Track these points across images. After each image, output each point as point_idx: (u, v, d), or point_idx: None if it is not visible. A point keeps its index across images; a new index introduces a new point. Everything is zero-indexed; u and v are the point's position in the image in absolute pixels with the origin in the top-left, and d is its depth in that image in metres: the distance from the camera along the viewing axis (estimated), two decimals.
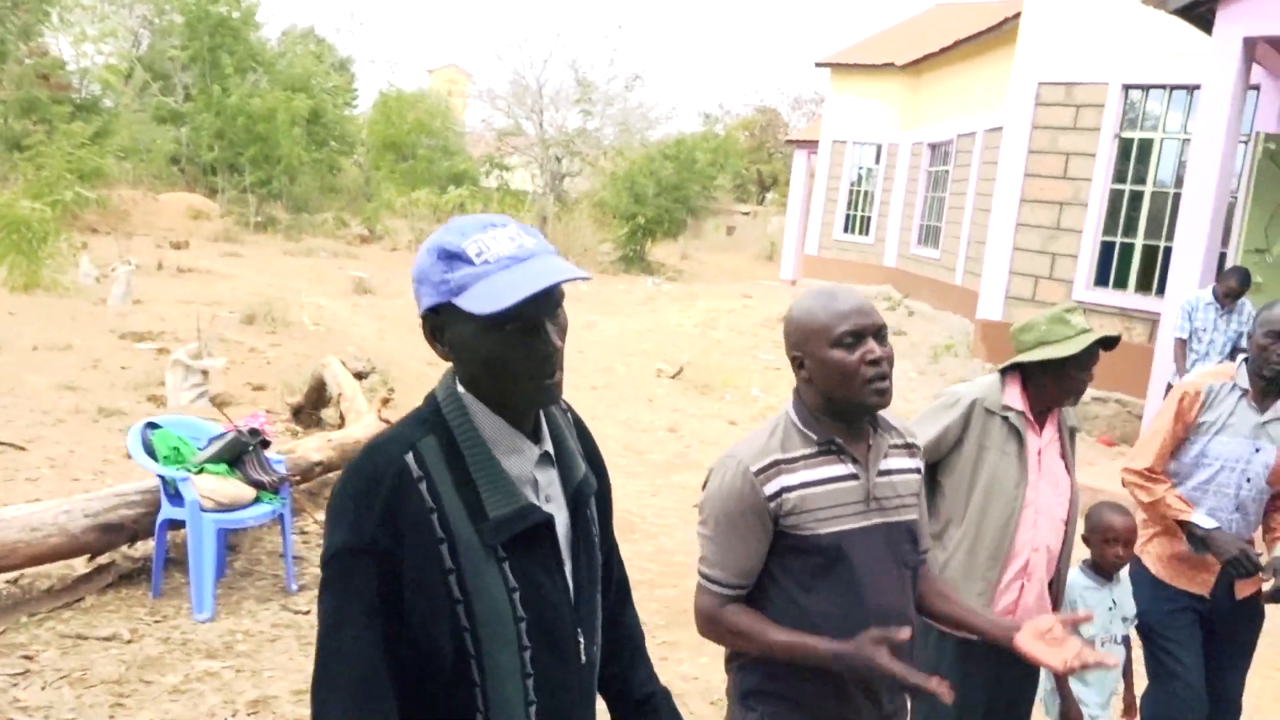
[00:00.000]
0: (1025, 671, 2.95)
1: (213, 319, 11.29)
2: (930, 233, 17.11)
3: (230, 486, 4.46)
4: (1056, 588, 2.88)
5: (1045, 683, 3.23)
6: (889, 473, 2.07)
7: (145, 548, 4.71)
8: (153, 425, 4.64)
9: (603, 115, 26.03)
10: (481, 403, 1.45)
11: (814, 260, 20.27)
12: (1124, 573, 3.24)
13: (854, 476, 2.02)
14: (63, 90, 22.63)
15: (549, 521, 1.47)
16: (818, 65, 20.14)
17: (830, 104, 20.05)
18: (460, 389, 1.46)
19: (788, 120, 42.23)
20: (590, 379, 11.14)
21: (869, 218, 19.46)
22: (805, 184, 21.30)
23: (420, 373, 10.32)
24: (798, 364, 2.04)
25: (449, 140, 27.33)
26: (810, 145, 21.04)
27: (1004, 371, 2.93)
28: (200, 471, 4.45)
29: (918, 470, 2.14)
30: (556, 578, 1.50)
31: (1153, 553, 3.32)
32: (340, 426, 6.96)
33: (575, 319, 12.98)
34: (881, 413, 2.10)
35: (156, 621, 4.27)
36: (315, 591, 4.77)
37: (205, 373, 8.21)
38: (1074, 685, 3.12)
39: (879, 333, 1.97)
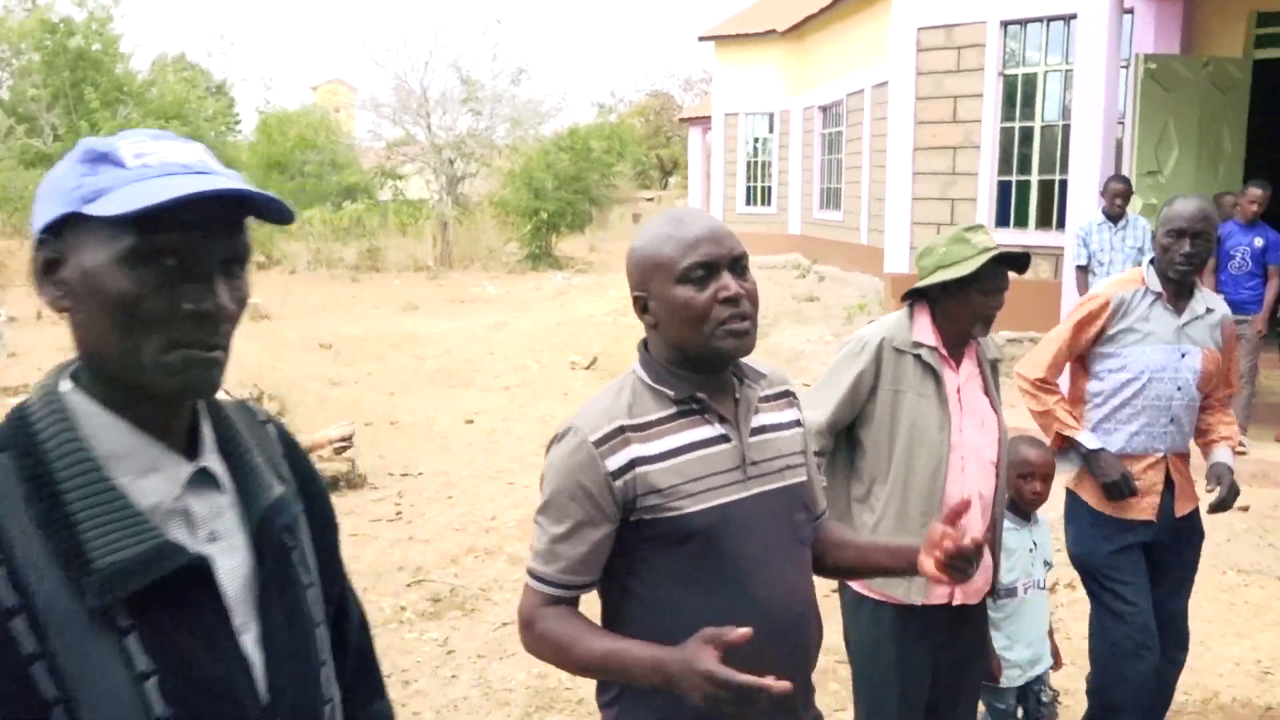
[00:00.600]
0: (974, 630, 2.72)
1: None
2: (831, 195, 17.07)
3: None
4: (994, 539, 2.64)
5: None
6: (765, 429, 1.74)
7: None
8: None
9: (492, 114, 25.48)
10: (99, 401, 1.01)
11: None
12: (1042, 514, 3.04)
13: (724, 438, 1.68)
14: None
15: (200, 565, 1.00)
16: (700, 39, 19.97)
17: (718, 78, 19.90)
18: (65, 385, 1.02)
19: (681, 103, 42.19)
20: (502, 379, 10.79)
21: (769, 188, 19.38)
22: (703, 161, 21.16)
23: (322, 394, 9.86)
24: (641, 307, 1.70)
25: (336, 154, 26.53)
26: (703, 122, 20.89)
27: (911, 305, 2.67)
28: None
29: (798, 422, 1.82)
30: (225, 649, 1.02)
31: (1089, 487, 3.09)
32: None
33: (484, 320, 12.70)
34: (748, 359, 1.79)
35: None
36: None
37: None
38: (996, 639, 2.90)
39: (736, 264, 1.63)
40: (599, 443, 1.63)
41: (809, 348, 11.53)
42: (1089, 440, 3.03)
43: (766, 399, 1.78)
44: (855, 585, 2.71)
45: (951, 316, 2.57)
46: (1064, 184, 8.99)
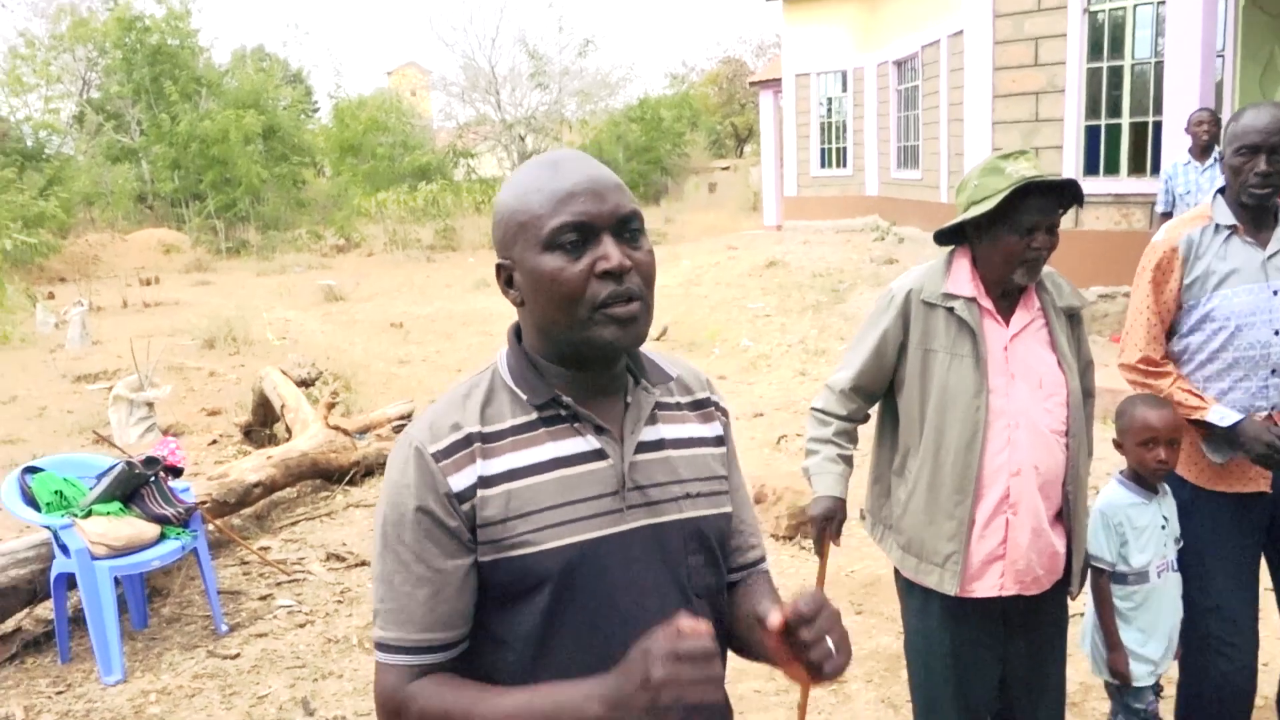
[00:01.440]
0: (1050, 623, 2.37)
1: (170, 348, 10.79)
2: (909, 154, 16.41)
3: (125, 526, 3.90)
4: (1069, 518, 2.28)
5: (1089, 632, 2.64)
6: (661, 445, 1.33)
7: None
8: (32, 470, 4.08)
9: (560, 87, 25.29)
10: None
11: (794, 201, 19.58)
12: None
13: (598, 454, 1.28)
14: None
15: None
16: (767, 0, 19.37)
17: (787, 38, 19.27)
18: None
19: (754, 69, 41.33)
20: None
21: (844, 149, 18.74)
22: (774, 125, 20.57)
23: (387, 373, 9.80)
24: (505, 279, 1.30)
25: (408, 136, 26.61)
26: (774, 84, 20.28)
27: (951, 251, 2.33)
28: (88, 515, 3.89)
29: (720, 440, 1.41)
30: None
31: (1186, 454, 2.64)
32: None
33: None
34: (654, 355, 1.40)
35: (59, 692, 3.72)
36: (249, 630, 4.29)
37: (151, 404, 7.67)
38: (1126, 634, 2.53)
39: (624, 226, 1.24)
40: (441, 455, 1.24)
41: None
42: (1223, 416, 2.52)
43: (670, 407, 1.37)
44: (902, 570, 2.39)
45: (988, 261, 2.22)
46: (1159, 126, 8.36)
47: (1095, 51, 9.30)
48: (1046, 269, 2.29)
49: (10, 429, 7.95)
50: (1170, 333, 2.66)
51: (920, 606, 2.35)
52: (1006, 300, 2.25)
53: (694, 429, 1.38)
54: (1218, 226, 2.56)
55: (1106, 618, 2.53)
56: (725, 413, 1.45)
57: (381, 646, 1.26)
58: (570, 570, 1.24)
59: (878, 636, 3.90)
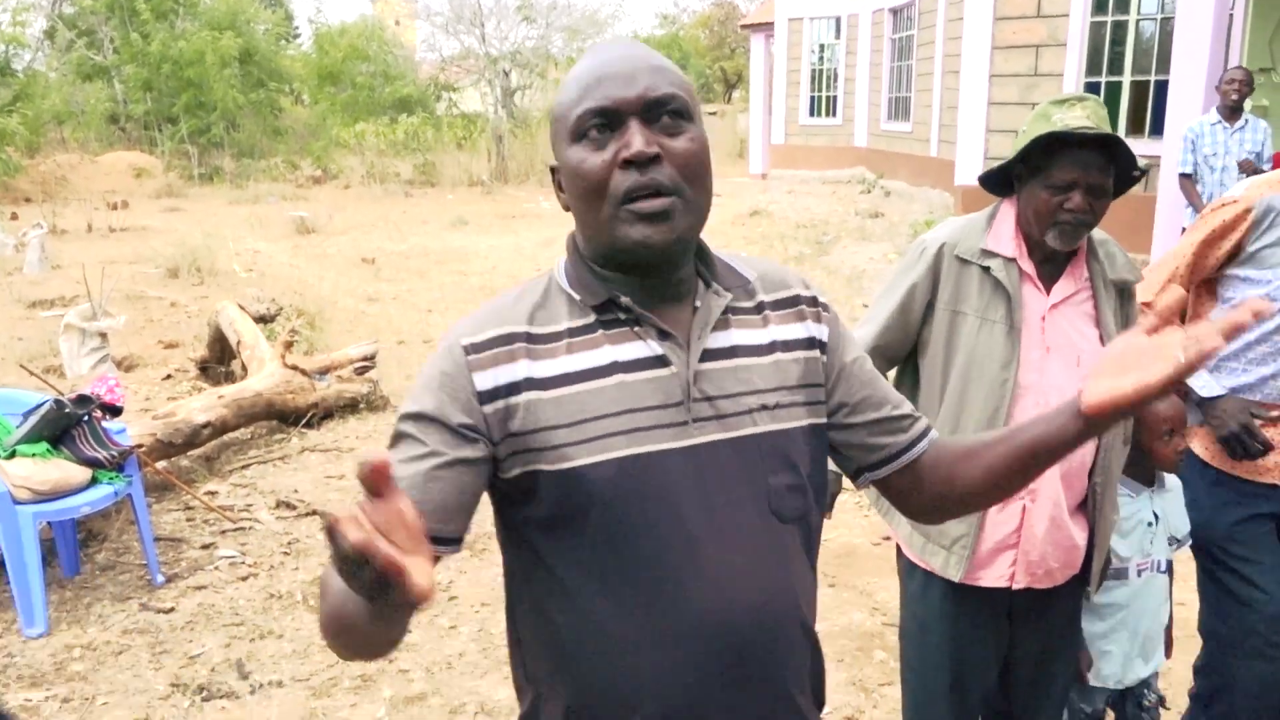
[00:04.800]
0: (1062, 618, 2.16)
1: (132, 276, 10.42)
2: (900, 105, 16.06)
3: (52, 469, 3.63)
4: (1094, 510, 2.05)
5: None
6: (733, 352, 1.17)
7: None
8: None
9: (548, 23, 24.62)
10: None
11: (781, 149, 19.22)
12: (1172, 478, 2.40)
13: (659, 361, 1.14)
14: None
15: None
16: None
17: None
18: None
19: (745, 12, 40.56)
20: None
21: (835, 97, 18.36)
22: (765, 70, 20.12)
23: (356, 310, 9.50)
24: (557, 181, 1.18)
25: (388, 66, 25.88)
26: (766, 28, 19.81)
27: (999, 205, 2.07)
28: (11, 456, 3.62)
29: (810, 342, 1.23)
30: None
31: (1205, 438, 2.43)
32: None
33: (534, 236, 12.34)
34: (731, 256, 1.24)
35: None
36: (187, 582, 4.05)
37: (104, 335, 7.35)
38: (1091, 625, 2.30)
39: (654, 111, 1.09)
40: (473, 349, 1.12)
41: (871, 266, 10.82)
42: (1207, 385, 2.36)
43: (747, 310, 1.20)
44: (904, 549, 2.18)
45: (1024, 218, 1.98)
46: (1160, 85, 8.10)
47: (1100, 6, 8.99)
48: (1101, 235, 2.04)
49: None
50: (1216, 300, 2.41)
51: (920, 590, 2.14)
52: (1051, 265, 1.99)
53: (777, 332, 1.21)
54: None
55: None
56: (826, 308, 1.27)
57: None
58: (624, 487, 1.10)
59: (850, 612, 3.71)
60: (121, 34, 24.04)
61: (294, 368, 5.93)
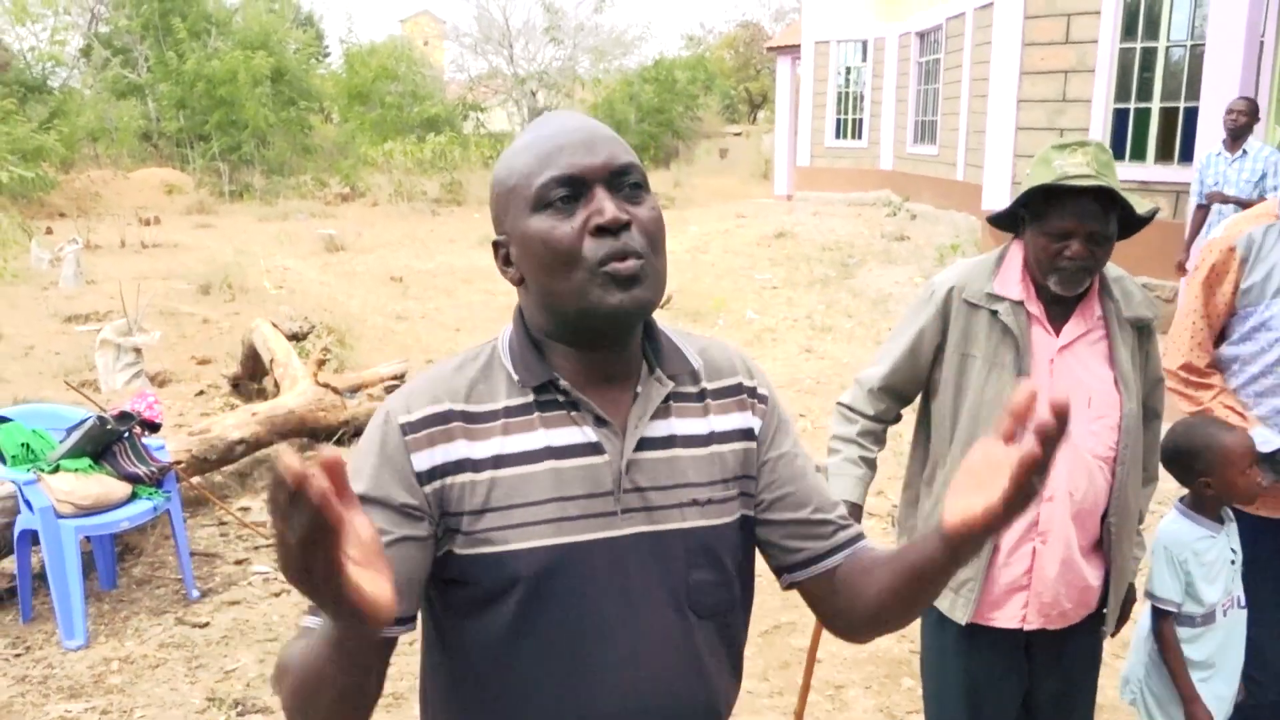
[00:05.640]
0: (1083, 657, 2.17)
1: (165, 292, 10.57)
2: (926, 128, 16.08)
3: (93, 484, 3.70)
4: (1110, 550, 2.06)
5: (1139, 672, 2.36)
6: (670, 443, 1.16)
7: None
8: (0, 419, 3.88)
9: (575, 44, 24.85)
10: None
11: (806, 171, 19.25)
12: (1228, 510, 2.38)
13: (593, 449, 1.13)
14: (2, 69, 21.68)
15: None
16: None
17: (809, 4, 18.83)
18: None
19: (771, 34, 40.71)
20: None
21: (860, 120, 18.39)
22: (791, 92, 20.19)
23: (385, 328, 9.59)
24: (503, 256, 1.16)
25: (417, 85, 26.18)
26: (793, 51, 19.88)
27: (1007, 245, 2.10)
28: (55, 470, 3.69)
29: (747, 434, 1.22)
30: None
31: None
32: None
33: None
34: (679, 336, 1.23)
35: (18, 655, 3.55)
36: (221, 597, 4.11)
37: (138, 350, 7.46)
38: (1196, 676, 2.27)
39: (618, 179, 1.09)
40: (409, 428, 1.10)
41: (897, 290, 10.83)
42: (1269, 441, 2.32)
43: (689, 398, 1.19)
44: None
45: (1029, 261, 2.00)
46: (1190, 112, 8.09)
47: (1129, 31, 8.99)
48: (1116, 272, 2.06)
49: None
50: (1221, 337, 2.45)
51: (936, 627, 2.16)
52: (1060, 306, 2.01)
53: (716, 422, 1.20)
54: None
55: (1177, 667, 2.23)
56: (764, 399, 1.25)
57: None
58: (546, 575, 1.09)
59: (879, 639, 3.71)
60: (156, 53, 24.45)
61: (326, 385, 6.00)
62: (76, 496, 3.63)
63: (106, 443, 3.87)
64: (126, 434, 3.93)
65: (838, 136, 18.80)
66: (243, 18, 25.70)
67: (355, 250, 14.98)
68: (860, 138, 18.41)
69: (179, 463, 4.34)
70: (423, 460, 1.09)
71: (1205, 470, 2.20)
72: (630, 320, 1.10)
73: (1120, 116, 9.16)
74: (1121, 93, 9.10)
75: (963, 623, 2.05)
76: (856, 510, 2.18)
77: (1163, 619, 2.26)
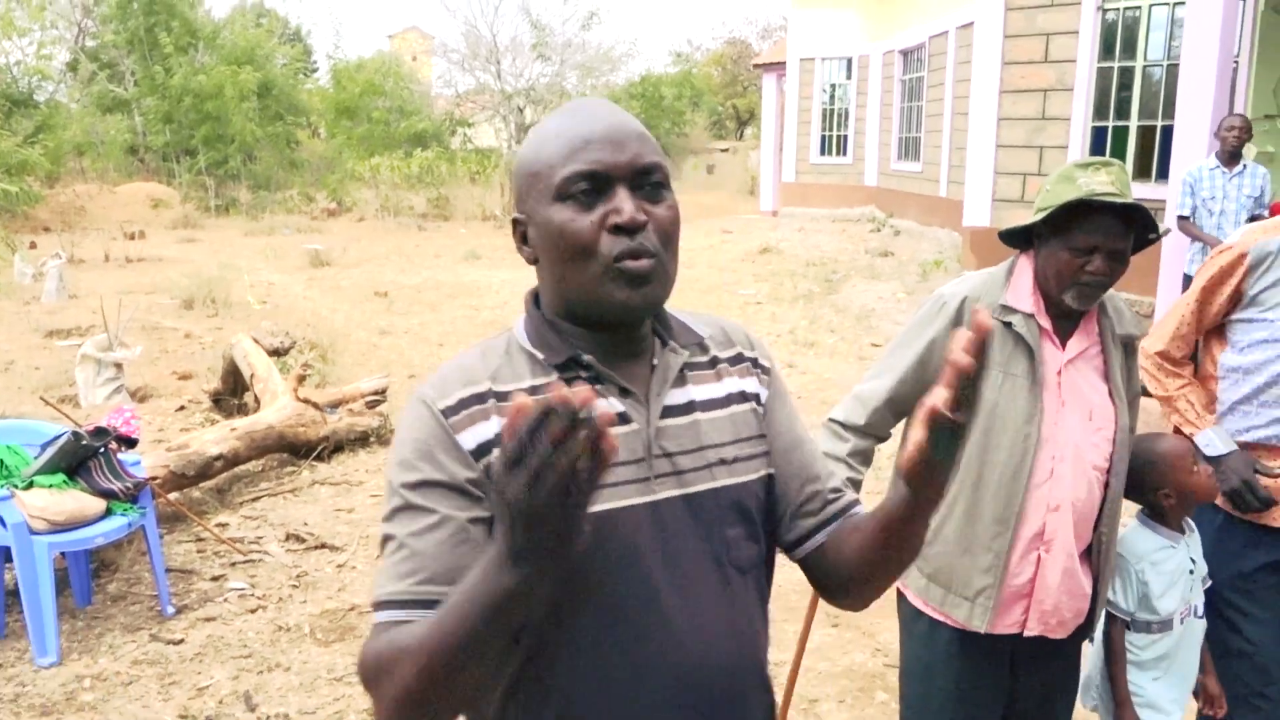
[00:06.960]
0: (1064, 663, 2.20)
1: (148, 307, 10.55)
2: (910, 145, 16.21)
3: (68, 500, 3.69)
4: (1098, 559, 2.09)
5: (1093, 685, 2.40)
6: (691, 408, 1.21)
7: None
8: None
9: (563, 60, 24.94)
10: None
11: (792, 187, 19.36)
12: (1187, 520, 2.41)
13: (621, 419, 1.16)
14: None
15: None
16: None
17: (794, 21, 18.99)
18: None
19: (758, 51, 40.98)
20: None
21: (845, 137, 18.53)
22: (777, 108, 20.32)
23: (369, 344, 9.58)
24: (521, 235, 1.20)
25: (404, 101, 26.23)
26: (778, 68, 20.02)
27: (1015, 260, 2.13)
28: (29, 486, 3.68)
29: (756, 398, 1.27)
30: None
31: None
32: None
33: (532, 275, 12.69)
34: (684, 314, 1.28)
35: None
36: (197, 614, 4.09)
37: (119, 365, 7.44)
38: (1146, 685, 2.30)
39: (641, 178, 1.12)
40: (448, 412, 1.12)
41: (880, 305, 10.89)
42: (1211, 444, 2.39)
43: (701, 366, 1.24)
44: (911, 597, 2.21)
45: (1044, 275, 2.03)
46: (1166, 130, 8.18)
47: (1107, 51, 9.10)
48: (1109, 291, 2.10)
49: None
50: (1226, 344, 2.45)
51: (926, 636, 2.17)
52: (1066, 322, 2.05)
53: (731, 384, 1.26)
54: None
55: (1117, 671, 2.28)
56: (766, 370, 1.31)
57: (379, 606, 1.08)
58: (591, 543, 1.06)
59: (852, 653, 3.73)
60: (143, 67, 24.42)
61: (306, 401, 6.00)
62: (50, 512, 3.62)
63: (82, 458, 3.86)
64: (102, 449, 3.92)
65: (823, 153, 18.93)
66: (230, 32, 25.70)
67: (341, 265, 14.97)
68: (845, 154, 18.54)
69: (154, 478, 4.33)
70: (468, 439, 1.11)
71: (1159, 482, 2.23)
72: (639, 315, 1.15)
73: (1099, 134, 9.25)
74: (1100, 111, 9.20)
75: (981, 630, 2.07)
76: None
77: (1113, 624, 2.29)
